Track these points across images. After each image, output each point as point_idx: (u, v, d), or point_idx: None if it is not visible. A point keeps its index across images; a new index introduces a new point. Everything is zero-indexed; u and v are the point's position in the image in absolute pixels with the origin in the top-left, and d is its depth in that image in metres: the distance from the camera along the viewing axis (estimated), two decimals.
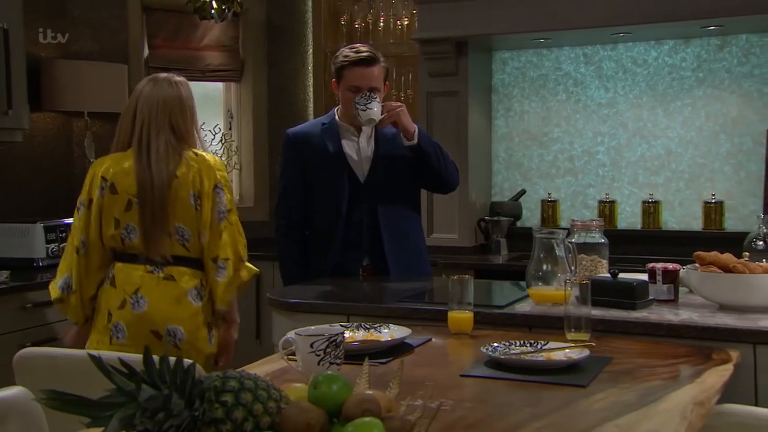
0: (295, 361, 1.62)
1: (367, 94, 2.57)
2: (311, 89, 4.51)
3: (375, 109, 2.57)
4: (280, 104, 4.52)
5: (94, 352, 1.11)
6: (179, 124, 2.34)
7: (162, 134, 2.30)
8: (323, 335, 1.58)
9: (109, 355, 1.32)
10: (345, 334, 1.89)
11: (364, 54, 2.64)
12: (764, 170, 3.57)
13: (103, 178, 2.30)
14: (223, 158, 4.53)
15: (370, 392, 1.19)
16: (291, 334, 1.65)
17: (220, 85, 4.57)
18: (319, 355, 1.57)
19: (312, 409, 1.11)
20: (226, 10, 4.07)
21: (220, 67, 4.45)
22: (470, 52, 3.88)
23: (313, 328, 1.66)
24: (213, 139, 4.47)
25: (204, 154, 2.37)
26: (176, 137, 2.33)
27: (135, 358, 1.18)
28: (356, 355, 1.71)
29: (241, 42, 4.48)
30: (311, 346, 1.57)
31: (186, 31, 4.34)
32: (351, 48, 2.70)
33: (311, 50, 4.50)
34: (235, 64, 4.48)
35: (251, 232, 4.37)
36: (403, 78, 4.24)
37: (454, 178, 2.78)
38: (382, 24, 4.27)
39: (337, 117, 2.76)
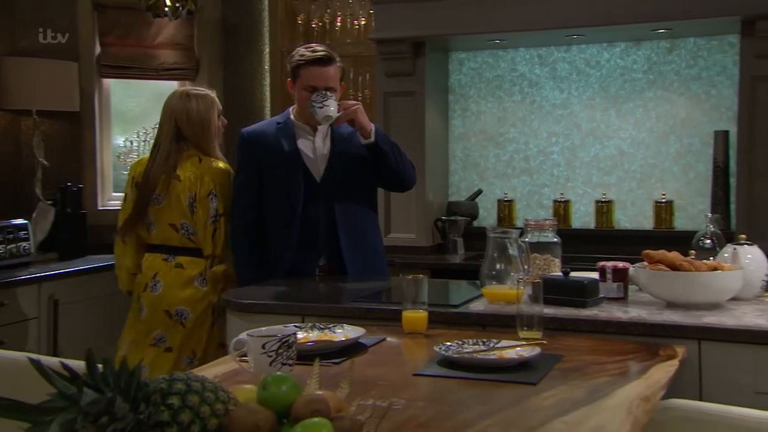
0: (248, 362, 1.61)
1: (323, 92, 2.57)
2: (268, 89, 4.48)
3: (331, 107, 2.56)
4: (237, 104, 4.48)
5: (34, 356, 1.09)
6: (187, 133, 2.76)
7: (167, 139, 2.75)
8: (275, 336, 1.57)
9: (50, 360, 1.29)
10: (298, 335, 1.89)
11: (320, 53, 2.64)
12: (711, 171, 3.66)
13: (133, 177, 2.81)
14: None
15: (320, 392, 1.19)
16: (243, 335, 1.64)
17: (174, 83, 4.50)
18: (271, 356, 1.56)
19: (260, 410, 1.10)
20: (180, 8, 4.02)
21: (174, 66, 4.39)
22: (427, 53, 3.89)
23: (264, 329, 1.65)
24: None
25: (212, 160, 2.75)
26: (186, 143, 2.75)
27: (78, 363, 1.15)
28: (310, 355, 1.70)
29: (196, 40, 4.43)
30: (263, 347, 1.56)
31: (139, 29, 4.27)
32: (307, 48, 2.69)
33: (268, 49, 4.46)
34: (190, 63, 4.42)
35: None
36: (360, 78, 4.23)
37: (411, 176, 2.79)
38: (339, 24, 4.27)
39: (292, 116, 2.75)
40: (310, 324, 1.99)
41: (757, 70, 3.32)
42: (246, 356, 1.62)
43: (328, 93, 2.57)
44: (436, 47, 3.99)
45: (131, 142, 4.37)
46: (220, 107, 2.88)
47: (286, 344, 1.57)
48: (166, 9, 4.02)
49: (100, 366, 1.03)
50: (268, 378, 1.18)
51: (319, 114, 2.56)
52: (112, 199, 4.39)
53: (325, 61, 2.63)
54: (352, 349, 1.85)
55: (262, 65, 4.50)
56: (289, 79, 2.72)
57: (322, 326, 1.97)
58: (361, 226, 2.75)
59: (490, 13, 3.62)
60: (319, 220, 2.68)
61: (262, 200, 2.73)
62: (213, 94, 2.88)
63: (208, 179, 2.70)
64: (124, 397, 1.00)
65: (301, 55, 2.65)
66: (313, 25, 4.29)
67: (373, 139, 2.61)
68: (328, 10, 4.28)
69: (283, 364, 1.56)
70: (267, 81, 4.49)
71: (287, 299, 2.41)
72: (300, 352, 1.68)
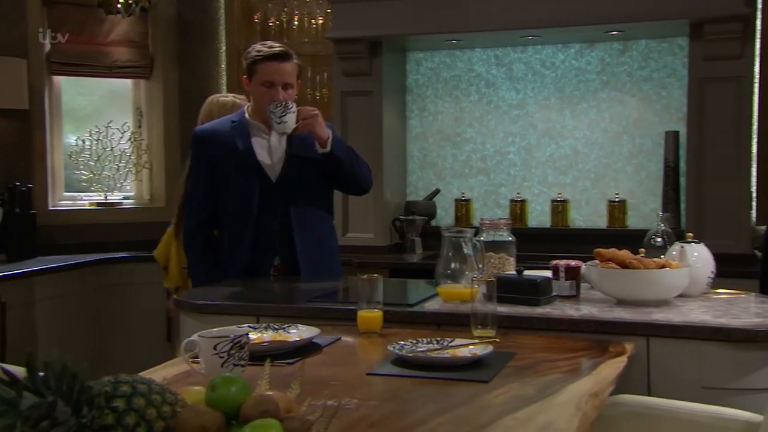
0: (200, 363, 1.59)
1: (283, 104, 2.53)
2: (225, 87, 4.44)
3: (289, 122, 2.54)
4: (192, 102, 4.41)
5: None
6: None
7: None
8: (227, 337, 1.56)
9: None
10: (252, 335, 1.87)
11: (278, 49, 2.64)
12: (662, 170, 3.74)
13: None
14: (132, 157, 4.40)
15: (270, 393, 1.18)
16: (195, 337, 1.62)
17: (128, 81, 4.43)
18: (222, 357, 1.54)
19: (207, 412, 1.09)
20: (134, 5, 3.96)
21: (128, 64, 4.32)
22: (384, 52, 3.90)
23: (215, 330, 1.63)
24: (121, 138, 4.34)
25: None
26: None
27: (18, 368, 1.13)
28: (263, 356, 1.69)
29: (150, 38, 4.36)
30: (215, 348, 1.54)
31: (91, 25, 4.19)
32: (263, 44, 2.69)
33: (224, 48, 4.42)
34: (144, 61, 4.36)
35: (163, 233, 4.25)
36: (317, 77, 4.22)
37: (367, 179, 2.79)
38: (296, 23, 4.24)
39: (247, 115, 2.73)
40: (264, 324, 1.98)
41: (704, 72, 3.40)
42: (198, 357, 1.60)
43: (288, 104, 2.54)
44: (393, 47, 4.00)
45: (83, 141, 4.29)
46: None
47: (238, 345, 1.55)
48: (119, 6, 3.95)
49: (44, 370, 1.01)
50: (217, 379, 1.17)
51: (278, 129, 2.55)
52: (64, 199, 4.30)
53: (282, 56, 2.62)
54: (306, 349, 1.85)
55: (219, 64, 4.46)
56: (244, 76, 2.70)
57: (276, 326, 1.95)
58: (317, 226, 2.74)
59: (447, 13, 3.64)
60: (274, 221, 2.66)
61: (217, 200, 2.70)
62: (236, 99, 2.96)
63: None
64: (65, 401, 0.98)
65: (258, 51, 2.64)
66: (270, 24, 4.26)
67: (328, 149, 2.60)
68: (285, 9, 4.26)
69: (236, 365, 1.55)
70: (223, 80, 4.45)
71: (242, 299, 2.39)
72: (253, 353, 1.67)
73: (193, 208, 2.71)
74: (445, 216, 4.17)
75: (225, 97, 3.05)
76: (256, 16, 4.31)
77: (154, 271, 3.86)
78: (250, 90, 2.68)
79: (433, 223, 4.12)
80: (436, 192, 4.15)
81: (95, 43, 4.21)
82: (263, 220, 2.65)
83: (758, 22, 3.45)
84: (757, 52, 3.45)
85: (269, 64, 2.60)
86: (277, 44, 2.69)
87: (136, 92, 4.46)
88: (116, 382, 1.06)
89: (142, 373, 1.49)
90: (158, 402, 1.07)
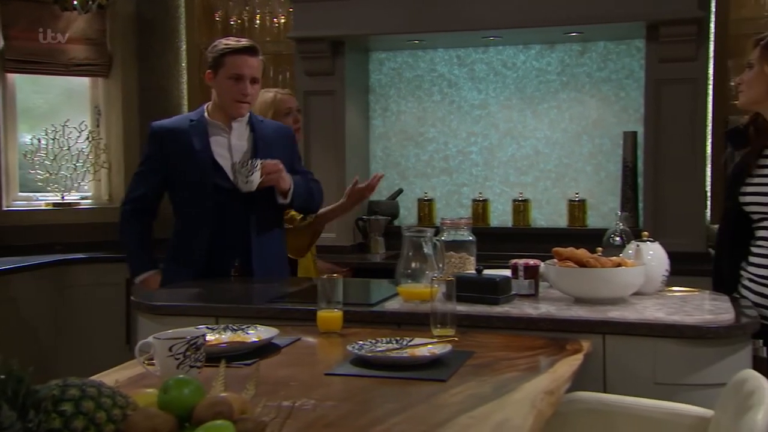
0: (155, 365, 1.57)
1: (249, 162, 2.54)
2: (185, 86, 4.39)
3: (255, 180, 2.56)
4: (152, 101, 4.37)
5: None
6: None
7: None
8: (183, 338, 1.54)
9: None
10: (209, 337, 1.85)
11: (247, 43, 2.67)
12: (621, 170, 3.79)
13: None
14: (89, 156, 4.33)
15: (224, 395, 1.17)
16: (150, 338, 1.59)
17: (86, 80, 4.36)
18: (178, 359, 1.52)
19: (159, 415, 1.08)
20: (90, 2, 3.89)
21: (85, 62, 4.25)
22: (347, 52, 3.89)
23: (171, 331, 1.61)
24: (78, 137, 4.26)
25: None
26: None
27: None
28: (221, 357, 1.68)
29: (108, 35, 4.29)
30: (170, 349, 1.52)
31: (47, 22, 4.10)
32: (230, 38, 2.72)
33: (184, 46, 4.37)
34: (102, 59, 4.29)
35: None
36: (280, 77, 4.19)
37: (314, 207, 2.89)
38: (258, 21, 4.21)
39: (206, 114, 2.70)
40: (223, 325, 1.96)
41: (661, 73, 3.47)
42: (154, 360, 1.58)
43: (255, 162, 2.54)
44: (355, 47, 3.99)
45: (39, 140, 4.20)
46: (290, 106, 2.97)
47: (193, 346, 1.54)
48: (75, 2, 3.88)
49: None
50: (170, 381, 1.15)
51: (243, 188, 2.56)
52: (19, 200, 4.21)
53: (251, 50, 2.64)
54: (264, 349, 1.83)
55: (179, 62, 4.41)
56: (209, 70, 2.67)
57: (235, 327, 1.94)
58: (273, 229, 2.73)
59: (409, 13, 3.65)
60: (231, 221, 2.63)
61: (174, 199, 2.68)
62: (280, 93, 2.98)
63: None
64: (10, 405, 0.96)
65: (227, 44, 2.64)
66: (232, 23, 4.22)
67: (288, 200, 2.67)
68: (247, 8, 4.22)
69: (191, 367, 1.53)
70: (184, 78, 4.40)
71: (200, 300, 2.36)
72: (211, 354, 1.65)
73: (132, 194, 2.71)
74: (408, 216, 4.18)
75: (268, 92, 3.01)
76: (217, 15, 4.26)
77: (112, 271, 3.81)
78: (215, 84, 2.66)
79: (396, 222, 4.13)
80: (399, 192, 4.15)
81: (51, 40, 4.13)
82: (221, 221, 2.62)
83: (712, 25, 3.52)
84: (711, 54, 3.53)
85: (238, 57, 2.60)
86: (244, 39, 2.72)
87: (94, 90, 4.38)
88: (64, 386, 1.04)
89: (95, 377, 1.47)
90: (108, 405, 1.05)
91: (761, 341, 2.00)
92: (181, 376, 1.19)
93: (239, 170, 2.55)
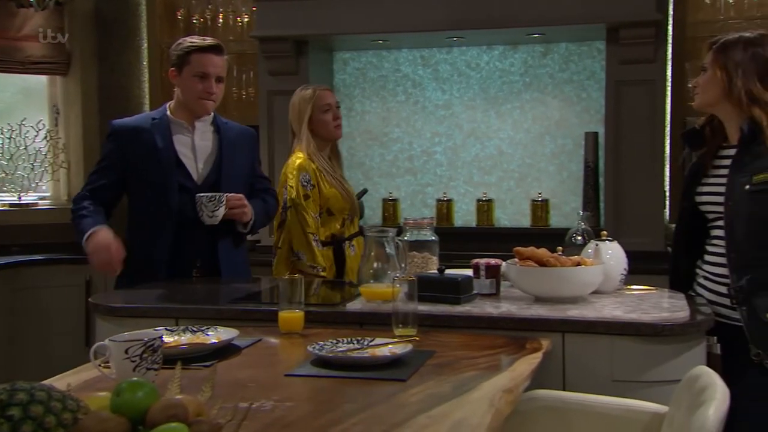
0: (110, 368, 1.55)
1: (216, 197, 2.54)
2: (147, 85, 4.33)
3: (220, 216, 2.56)
4: (113, 100, 4.30)
5: None
6: (292, 126, 2.98)
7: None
8: (140, 340, 1.52)
9: None
10: (168, 339, 1.83)
11: (213, 42, 2.67)
12: (583, 170, 3.84)
13: None
14: (48, 156, 4.24)
15: (179, 397, 1.16)
16: (106, 341, 1.57)
17: (44, 78, 4.27)
18: (134, 362, 1.50)
19: (111, 418, 1.06)
20: None
21: (43, 60, 4.16)
22: (311, 52, 3.88)
23: (127, 333, 1.59)
24: (36, 136, 4.18)
25: (293, 154, 2.89)
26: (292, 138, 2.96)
27: None
28: (181, 359, 1.66)
29: (67, 33, 4.21)
30: (126, 352, 1.50)
31: (2, 19, 4.01)
32: (194, 37, 2.71)
33: (146, 45, 4.31)
34: (61, 57, 4.21)
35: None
36: (243, 76, 4.16)
37: (268, 222, 2.94)
38: (221, 20, 4.17)
39: (168, 112, 2.67)
40: (182, 327, 1.94)
41: (621, 75, 3.52)
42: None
43: (221, 198, 2.54)
44: (319, 47, 3.98)
45: None
46: (329, 102, 2.94)
47: (150, 348, 1.52)
48: None
49: None
50: (123, 384, 1.13)
51: (208, 221, 2.55)
52: None
53: (218, 49, 2.64)
54: (224, 351, 1.82)
55: (140, 61, 4.34)
56: (172, 68, 2.64)
57: (194, 329, 1.92)
58: (236, 229, 2.71)
59: (373, 13, 3.65)
60: (195, 221, 2.61)
61: (135, 199, 2.64)
62: (319, 89, 2.97)
63: (283, 173, 2.87)
64: None
65: (192, 42, 2.64)
66: (194, 21, 4.17)
67: (247, 231, 2.69)
68: (210, 6, 4.18)
69: (148, 369, 1.51)
70: (146, 77, 4.34)
71: (159, 302, 2.33)
72: (170, 356, 1.64)
73: (88, 192, 2.62)
74: (372, 216, 4.18)
75: (306, 88, 3.00)
76: (179, 13, 4.21)
77: (72, 273, 3.74)
78: (179, 82, 2.64)
79: (361, 222, 4.12)
80: (364, 192, 4.14)
81: (6, 37, 4.04)
82: (185, 220, 2.59)
83: (670, 28, 3.59)
84: (670, 56, 3.59)
85: (205, 55, 2.60)
86: (209, 37, 2.72)
87: (52, 89, 4.30)
88: (12, 390, 1.01)
89: (47, 381, 1.44)
90: (58, 409, 1.03)
91: (715, 338, 2.04)
92: (136, 378, 1.17)
93: (205, 204, 2.54)
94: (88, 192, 2.64)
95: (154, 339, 1.54)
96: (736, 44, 2.14)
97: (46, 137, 4.22)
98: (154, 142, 2.60)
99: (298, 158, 2.86)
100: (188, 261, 2.62)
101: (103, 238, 2.47)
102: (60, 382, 1.46)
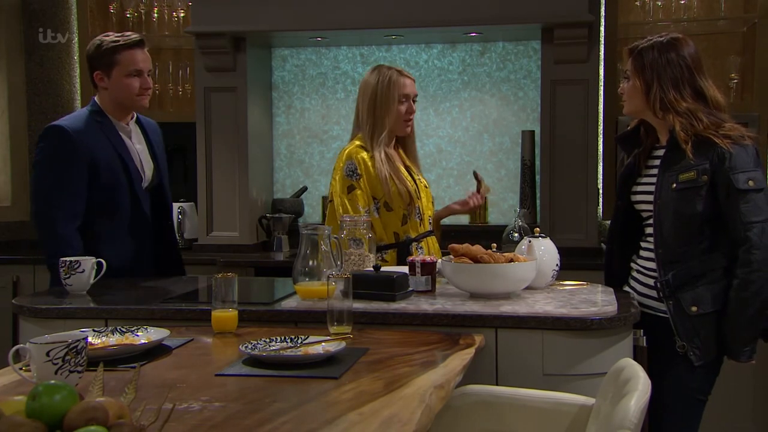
0: (32, 372, 1.50)
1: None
2: (78, 80, 4.20)
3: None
4: (42, 96, 4.17)
5: None
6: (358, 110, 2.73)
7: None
8: (62, 342, 1.47)
9: None
10: (95, 340, 1.79)
11: (137, 37, 2.60)
12: (520, 168, 3.90)
13: None
14: None
15: (100, 399, 1.13)
16: (26, 343, 1.52)
17: None
18: (57, 364, 1.46)
19: (25, 423, 1.02)
20: None
21: None
22: (248, 48, 3.83)
23: (49, 336, 1.54)
24: None
25: (350, 143, 2.70)
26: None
27: None
28: (108, 360, 1.63)
29: None
30: (47, 354, 1.45)
31: None
32: (110, 34, 2.61)
33: (76, 39, 4.18)
34: None
35: (8, 234, 3.98)
36: (180, 72, 4.08)
37: None
38: (156, 15, 4.08)
39: (107, 113, 2.60)
40: (111, 328, 1.89)
41: (555, 74, 3.58)
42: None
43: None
44: (257, 43, 3.93)
45: None
46: (408, 93, 2.67)
47: (74, 350, 1.47)
48: None
49: None
50: (39, 387, 1.10)
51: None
52: None
53: (143, 43, 2.58)
54: (155, 351, 1.78)
55: (71, 55, 4.22)
56: (98, 71, 2.56)
57: (123, 329, 1.88)
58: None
59: (311, 10, 3.63)
60: (147, 224, 2.56)
61: (87, 203, 2.55)
62: (396, 73, 2.65)
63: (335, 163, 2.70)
64: None
65: (115, 41, 2.54)
66: (128, 15, 4.07)
67: None
68: (144, 0, 4.08)
69: (71, 372, 1.47)
70: (76, 72, 4.22)
71: (87, 302, 2.26)
72: (97, 358, 1.60)
73: (69, 212, 2.48)
74: (312, 213, 4.15)
75: (389, 69, 2.69)
76: (111, 7, 4.10)
77: None
78: (110, 84, 2.54)
79: (301, 220, 4.10)
80: (304, 189, 4.12)
81: None
82: (135, 223, 2.54)
83: (602, 29, 3.67)
84: (602, 56, 3.67)
85: (135, 51, 2.53)
86: (128, 32, 2.63)
87: None
88: None
89: None
90: None
91: (642, 331, 2.10)
92: (53, 381, 1.13)
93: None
94: (73, 226, 2.46)
95: (78, 341, 1.49)
96: (651, 50, 2.19)
97: None
98: (106, 144, 2.53)
99: (351, 145, 2.66)
100: (143, 262, 2.58)
101: None
102: None
